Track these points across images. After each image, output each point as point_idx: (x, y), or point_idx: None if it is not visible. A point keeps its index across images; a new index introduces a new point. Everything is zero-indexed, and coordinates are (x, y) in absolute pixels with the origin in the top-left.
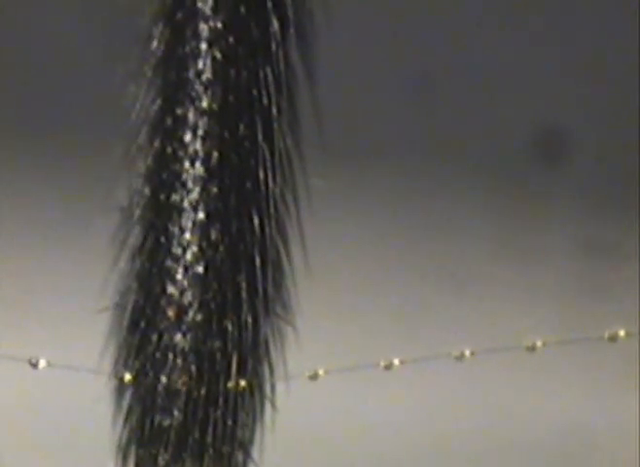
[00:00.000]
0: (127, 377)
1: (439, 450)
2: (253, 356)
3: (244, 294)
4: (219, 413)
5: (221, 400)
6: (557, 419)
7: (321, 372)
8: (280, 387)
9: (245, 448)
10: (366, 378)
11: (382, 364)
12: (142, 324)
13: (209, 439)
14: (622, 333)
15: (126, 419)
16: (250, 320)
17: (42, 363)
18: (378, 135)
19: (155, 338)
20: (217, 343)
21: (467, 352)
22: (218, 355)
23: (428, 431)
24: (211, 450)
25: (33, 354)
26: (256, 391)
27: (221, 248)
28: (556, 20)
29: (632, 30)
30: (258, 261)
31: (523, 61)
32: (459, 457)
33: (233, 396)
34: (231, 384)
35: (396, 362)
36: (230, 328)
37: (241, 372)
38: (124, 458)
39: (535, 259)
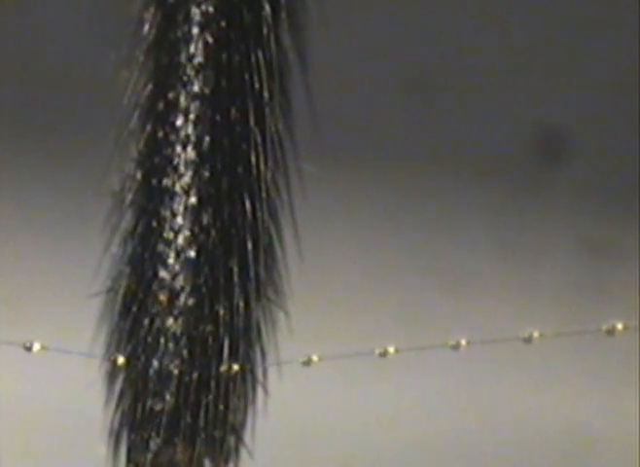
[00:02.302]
0: (120, 360)
1: (432, 440)
2: (245, 340)
3: (236, 278)
4: (211, 397)
5: (213, 384)
6: (555, 414)
7: (315, 358)
8: (273, 373)
9: (237, 432)
10: (360, 366)
11: (377, 351)
12: (134, 308)
13: (201, 423)
14: (620, 326)
15: (118, 403)
16: (242, 304)
17: (36, 346)
18: (377, 134)
19: (147, 322)
20: (209, 328)
21: (463, 342)
22: (210, 339)
23: (422, 420)
24: (203, 435)
25: (27, 338)
26: (248, 376)
27: (213, 232)
28: (557, 20)
29: (632, 30)
30: (250, 245)
31: (523, 61)
32: (453, 448)
33: (225, 380)
34: (223, 369)
35: (391, 350)
36: (221, 312)
37: (233, 356)
38: (116, 442)
39: (534, 259)
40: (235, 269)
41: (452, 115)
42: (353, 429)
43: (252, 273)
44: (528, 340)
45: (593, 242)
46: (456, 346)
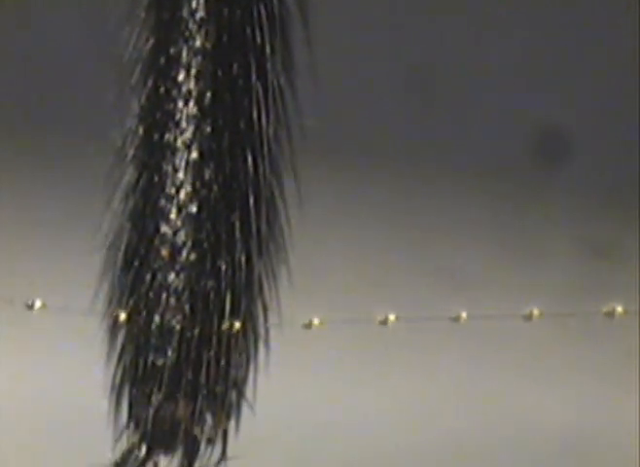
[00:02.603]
0: (122, 316)
1: (427, 407)
2: (246, 295)
3: (238, 233)
4: (212, 352)
5: (214, 340)
6: (555, 413)
7: (316, 321)
8: (274, 333)
9: (239, 387)
10: (361, 331)
11: (378, 318)
12: (136, 263)
13: (203, 378)
14: (619, 309)
15: (120, 359)
16: (244, 259)
17: (37, 304)
18: (377, 135)
19: (148, 277)
20: (210, 283)
21: (463, 315)
22: (212, 294)
23: (418, 389)
24: (205, 390)
25: (29, 296)
26: (249, 332)
27: (214, 188)
28: (557, 20)
29: (632, 30)
30: (251, 200)
31: (523, 61)
32: (452, 447)
33: (227, 336)
34: (225, 326)
35: (392, 318)
36: (223, 267)
37: (235, 311)
38: (118, 397)
39: (534, 258)
40: (237, 224)
41: (452, 115)
42: (349, 394)
43: (253, 228)
44: (529, 317)
45: (593, 243)
46: (456, 319)
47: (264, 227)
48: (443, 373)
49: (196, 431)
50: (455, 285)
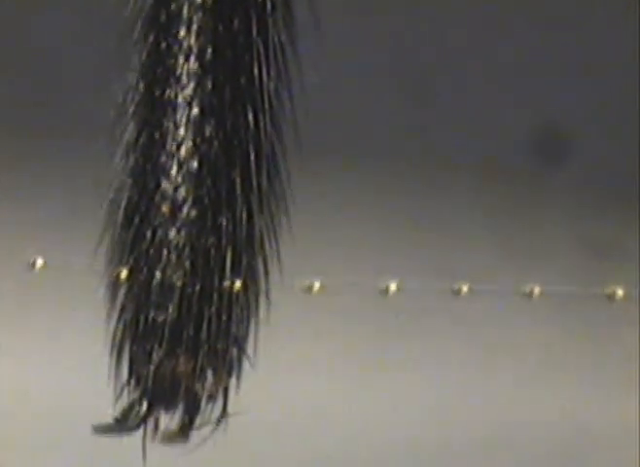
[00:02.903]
0: (123, 274)
1: (425, 378)
2: (248, 252)
3: (238, 189)
4: (213, 308)
5: (215, 296)
6: (555, 413)
7: (316, 285)
8: (273, 294)
9: (240, 343)
10: (361, 298)
11: (379, 287)
12: (136, 220)
13: (204, 335)
14: (620, 292)
15: (121, 315)
16: (244, 216)
17: (39, 262)
18: (377, 135)
19: (149, 233)
20: (211, 239)
21: (465, 288)
22: (212, 251)
23: (418, 361)
24: (205, 346)
25: (30, 254)
26: (251, 287)
27: (215, 144)
28: (557, 20)
29: (632, 30)
30: (252, 156)
31: (523, 61)
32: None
33: (228, 293)
34: (226, 284)
35: (392, 287)
36: (224, 223)
37: (236, 268)
38: (119, 354)
39: (534, 258)
40: (238, 181)
41: (451, 115)
42: (346, 360)
43: (254, 185)
44: (529, 295)
45: (593, 243)
46: (457, 292)
47: (265, 183)
48: (439, 346)
49: (197, 388)
50: (458, 260)
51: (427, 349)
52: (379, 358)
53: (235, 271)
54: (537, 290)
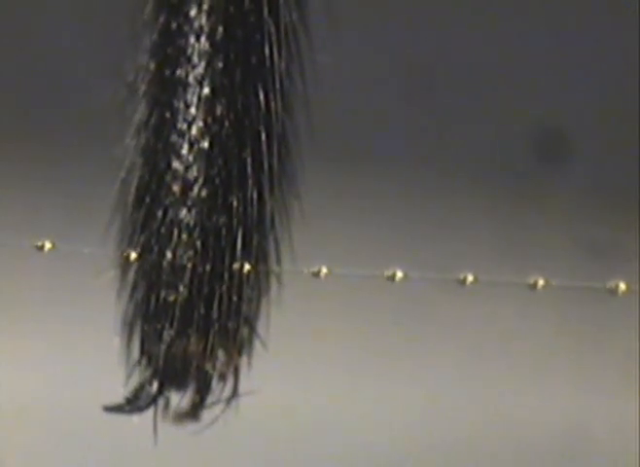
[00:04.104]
0: (133, 255)
1: (429, 364)
2: (258, 232)
3: (249, 169)
4: (224, 288)
5: (226, 275)
6: (555, 413)
7: (324, 270)
8: (282, 278)
9: (251, 323)
10: (367, 285)
11: (386, 274)
12: (147, 200)
13: (214, 314)
14: (622, 286)
15: (132, 295)
16: (255, 196)
17: (47, 245)
18: (377, 136)
19: (160, 213)
20: (222, 219)
21: (470, 277)
22: (223, 231)
23: (422, 349)
24: (216, 326)
25: (38, 237)
26: (261, 269)
27: (226, 123)
28: (556, 20)
29: (632, 30)
30: (263, 136)
31: (523, 61)
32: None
33: (239, 274)
34: (236, 266)
35: (399, 274)
36: (235, 203)
37: (247, 248)
38: (130, 334)
39: (538, 251)
40: (249, 160)
41: (452, 115)
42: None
43: (265, 164)
44: (533, 286)
45: (593, 243)
46: (463, 282)
47: (275, 163)
48: (442, 334)
49: (208, 367)
50: (463, 250)
51: (430, 338)
52: (384, 344)
53: (246, 252)
54: (541, 282)
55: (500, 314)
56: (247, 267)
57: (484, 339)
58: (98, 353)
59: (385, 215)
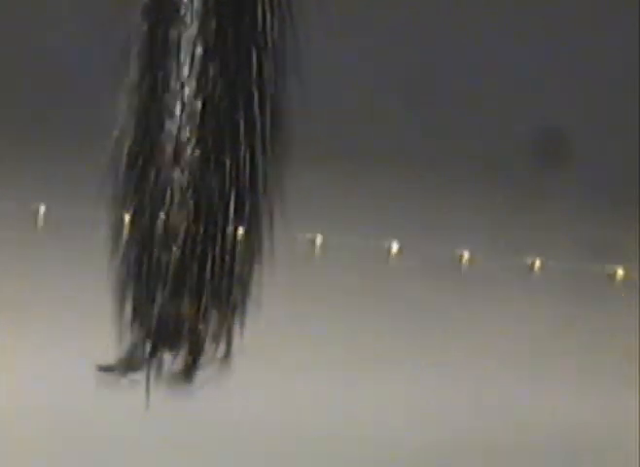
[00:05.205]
0: (127, 217)
1: (426, 338)
2: (251, 193)
3: (242, 130)
4: (217, 249)
5: (219, 237)
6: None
7: (319, 239)
8: (276, 244)
9: (244, 284)
10: (362, 255)
11: (381, 246)
12: (140, 160)
13: (207, 275)
14: (620, 271)
15: (125, 256)
16: (248, 156)
17: (42, 209)
18: (378, 136)
19: (153, 174)
20: (215, 179)
21: (466, 255)
22: (216, 191)
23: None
24: (209, 287)
25: (33, 201)
26: (254, 229)
27: (219, 84)
28: (557, 21)
29: (632, 30)
30: (256, 97)
31: (523, 61)
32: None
33: (232, 237)
34: (229, 230)
35: (395, 247)
36: (228, 164)
37: (239, 209)
38: (122, 294)
39: (537, 234)
40: (241, 121)
41: (452, 115)
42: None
43: (258, 125)
44: (530, 267)
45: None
46: (459, 259)
47: (268, 124)
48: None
49: (201, 328)
50: (461, 228)
51: (422, 313)
52: (374, 314)
53: (239, 213)
54: (538, 263)
55: (496, 293)
56: (241, 231)
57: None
58: (91, 314)
59: (385, 188)
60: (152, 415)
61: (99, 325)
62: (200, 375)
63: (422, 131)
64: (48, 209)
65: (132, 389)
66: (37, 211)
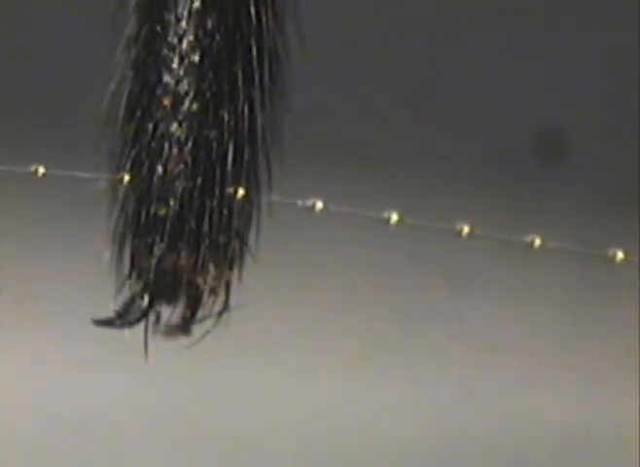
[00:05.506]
0: (126, 178)
1: (423, 305)
2: (249, 146)
3: (240, 83)
4: (215, 202)
5: (217, 189)
6: (554, 414)
7: (319, 205)
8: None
9: (242, 237)
10: (361, 223)
11: (381, 215)
12: (138, 113)
13: (205, 228)
14: (620, 254)
15: (122, 209)
16: (246, 110)
17: (40, 170)
18: (377, 136)
19: (150, 127)
20: (213, 133)
21: (466, 228)
22: (214, 144)
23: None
24: (207, 240)
25: (31, 163)
26: (252, 182)
27: (217, 37)
28: (557, 21)
29: (632, 30)
30: (254, 49)
31: (523, 61)
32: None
33: (230, 185)
34: (229, 191)
35: (394, 217)
36: (226, 117)
37: (237, 162)
38: (120, 248)
39: (533, 259)
40: (240, 74)
41: (452, 115)
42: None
43: (256, 78)
44: (530, 245)
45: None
46: (459, 232)
47: (266, 77)
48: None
49: (199, 281)
50: (461, 201)
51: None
52: (370, 284)
53: (238, 167)
54: (538, 241)
55: (495, 270)
56: (241, 191)
57: (476, 296)
58: (90, 275)
59: (387, 159)
60: (150, 368)
61: (96, 279)
62: (198, 328)
63: (424, 105)
64: (46, 167)
65: (131, 343)
66: (36, 171)
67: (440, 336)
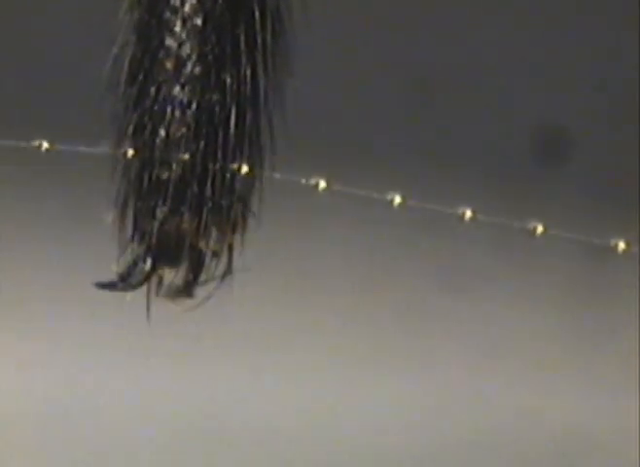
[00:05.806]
0: (130, 152)
1: (425, 288)
2: (252, 109)
3: (243, 46)
4: (218, 165)
5: (220, 153)
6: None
7: (322, 184)
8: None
9: (244, 200)
10: (364, 203)
11: (384, 197)
12: (140, 77)
13: (208, 192)
14: (622, 244)
15: (125, 173)
16: (249, 73)
17: (44, 145)
18: (377, 136)
19: (153, 90)
20: (215, 96)
21: (468, 212)
22: (217, 107)
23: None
24: (210, 203)
25: (35, 137)
26: (255, 145)
27: (220, 0)
28: (557, 21)
29: (632, 30)
30: (257, 13)
31: (523, 61)
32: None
33: (233, 149)
34: (233, 167)
35: (397, 199)
36: (228, 80)
37: (240, 126)
38: (123, 211)
39: (533, 259)
40: (242, 37)
41: (452, 115)
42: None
43: (259, 41)
44: (532, 232)
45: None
46: (462, 217)
47: (269, 40)
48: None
49: (202, 244)
50: (464, 185)
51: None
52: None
53: (240, 130)
54: (540, 229)
55: (495, 256)
56: (245, 168)
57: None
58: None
59: (391, 140)
60: (150, 367)
61: (99, 241)
62: (201, 291)
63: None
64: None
65: (133, 305)
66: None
67: (438, 329)
